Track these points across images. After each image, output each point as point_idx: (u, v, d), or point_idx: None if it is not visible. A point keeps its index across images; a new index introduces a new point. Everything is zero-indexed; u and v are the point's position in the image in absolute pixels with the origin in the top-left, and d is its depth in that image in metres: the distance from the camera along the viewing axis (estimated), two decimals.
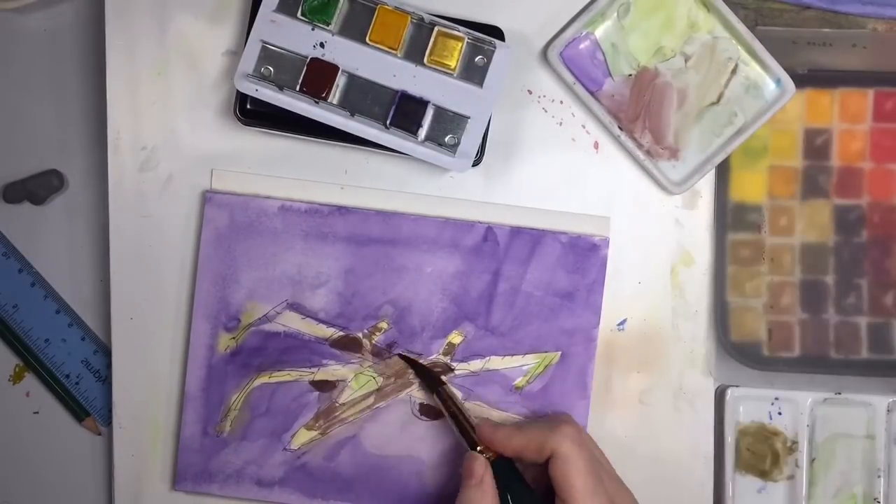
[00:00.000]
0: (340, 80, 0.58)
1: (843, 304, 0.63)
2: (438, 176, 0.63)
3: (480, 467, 0.57)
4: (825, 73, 0.63)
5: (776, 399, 0.63)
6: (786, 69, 0.61)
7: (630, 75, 0.62)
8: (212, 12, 0.62)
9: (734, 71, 0.62)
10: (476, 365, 0.62)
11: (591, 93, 0.62)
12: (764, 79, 0.62)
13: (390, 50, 0.58)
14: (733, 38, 0.62)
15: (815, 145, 0.63)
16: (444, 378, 0.61)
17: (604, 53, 0.62)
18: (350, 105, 0.58)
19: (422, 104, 0.58)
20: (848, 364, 0.63)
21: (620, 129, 0.62)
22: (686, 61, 0.62)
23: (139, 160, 0.63)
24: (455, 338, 0.62)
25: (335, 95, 0.58)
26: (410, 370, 0.62)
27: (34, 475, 0.65)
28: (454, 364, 0.62)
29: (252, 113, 0.60)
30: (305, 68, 0.57)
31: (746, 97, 0.62)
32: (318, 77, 0.57)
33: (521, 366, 0.62)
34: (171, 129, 0.63)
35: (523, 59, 0.62)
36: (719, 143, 0.62)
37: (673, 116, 0.62)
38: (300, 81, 0.57)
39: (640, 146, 0.62)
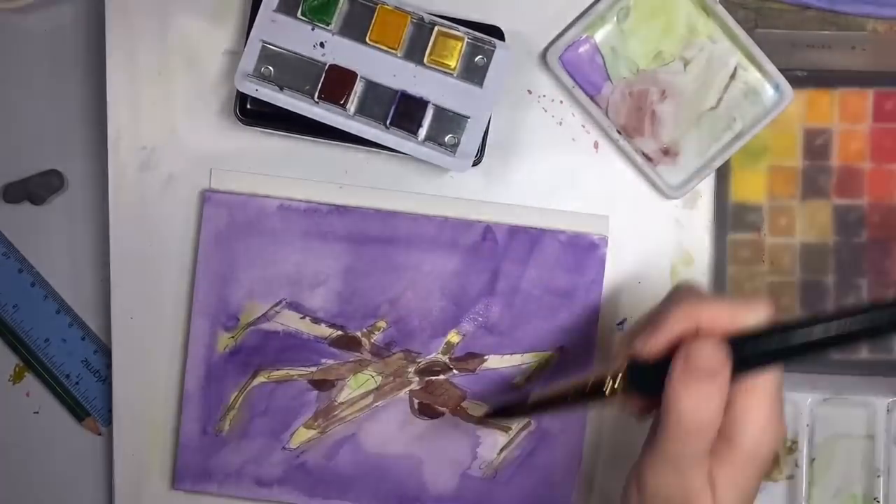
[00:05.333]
0: (358, 87, 0.58)
1: (843, 304, 0.63)
2: (438, 176, 0.63)
3: (717, 356, 0.42)
4: (825, 73, 0.63)
5: None
6: (785, 71, 0.61)
7: (629, 79, 0.62)
8: (212, 12, 0.62)
9: (733, 76, 0.62)
10: (475, 364, 0.62)
11: (591, 97, 0.62)
12: (763, 84, 0.62)
13: (390, 50, 0.58)
14: (732, 44, 0.62)
15: (815, 145, 0.63)
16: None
17: (603, 57, 0.62)
18: (358, 107, 0.58)
19: (422, 104, 0.58)
20: (848, 364, 0.63)
21: (619, 133, 0.62)
22: (685, 66, 0.62)
23: (139, 160, 0.63)
24: (454, 337, 0.62)
25: (353, 102, 0.58)
26: (409, 369, 0.62)
27: (34, 475, 0.65)
28: (452, 363, 0.62)
29: (252, 113, 0.60)
30: (324, 76, 0.58)
31: (745, 102, 0.62)
32: (337, 84, 0.58)
33: (519, 364, 0.62)
34: (171, 129, 0.63)
35: (523, 59, 0.62)
36: (718, 147, 0.62)
37: (671, 121, 0.62)
38: (318, 89, 0.57)
39: (638, 150, 0.62)
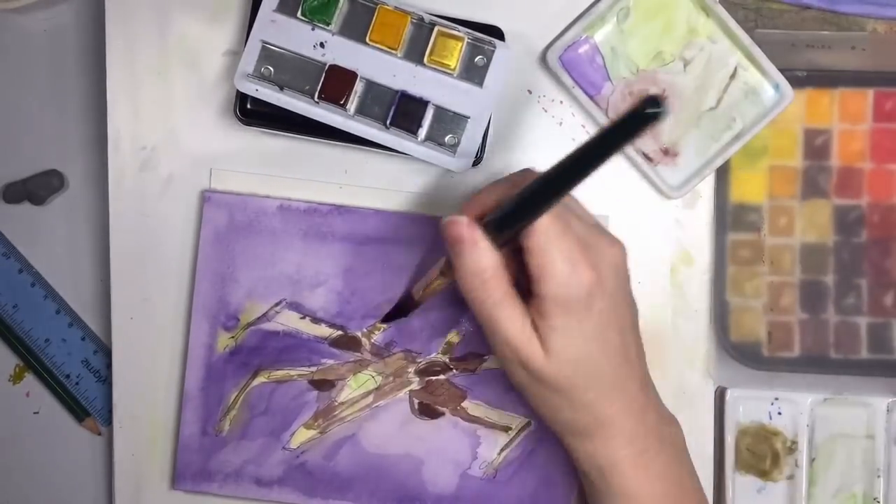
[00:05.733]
0: (359, 87, 0.58)
1: (842, 304, 0.63)
2: (438, 176, 0.63)
3: (464, 226, 0.51)
4: (825, 73, 0.63)
5: (776, 399, 0.63)
6: (785, 71, 0.61)
7: (629, 79, 0.62)
8: (212, 12, 0.62)
9: (733, 76, 0.62)
10: (475, 363, 0.62)
11: (590, 97, 0.62)
12: (762, 84, 0.62)
13: (390, 50, 0.58)
14: (732, 44, 0.62)
15: (815, 145, 0.63)
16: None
17: (603, 58, 0.62)
18: (358, 107, 0.58)
19: (422, 104, 0.58)
20: (848, 364, 0.63)
21: None
22: (685, 66, 0.62)
23: (139, 160, 0.63)
24: (454, 337, 0.62)
25: (353, 102, 0.58)
26: (409, 369, 0.62)
27: (34, 475, 0.65)
28: (453, 363, 0.62)
29: (252, 113, 0.61)
30: (324, 76, 0.58)
31: (745, 102, 0.62)
32: (337, 84, 0.58)
33: None
34: (171, 129, 0.63)
35: (523, 59, 0.62)
36: (718, 147, 0.62)
37: (671, 121, 0.62)
38: (318, 89, 0.58)
39: (638, 150, 0.62)
